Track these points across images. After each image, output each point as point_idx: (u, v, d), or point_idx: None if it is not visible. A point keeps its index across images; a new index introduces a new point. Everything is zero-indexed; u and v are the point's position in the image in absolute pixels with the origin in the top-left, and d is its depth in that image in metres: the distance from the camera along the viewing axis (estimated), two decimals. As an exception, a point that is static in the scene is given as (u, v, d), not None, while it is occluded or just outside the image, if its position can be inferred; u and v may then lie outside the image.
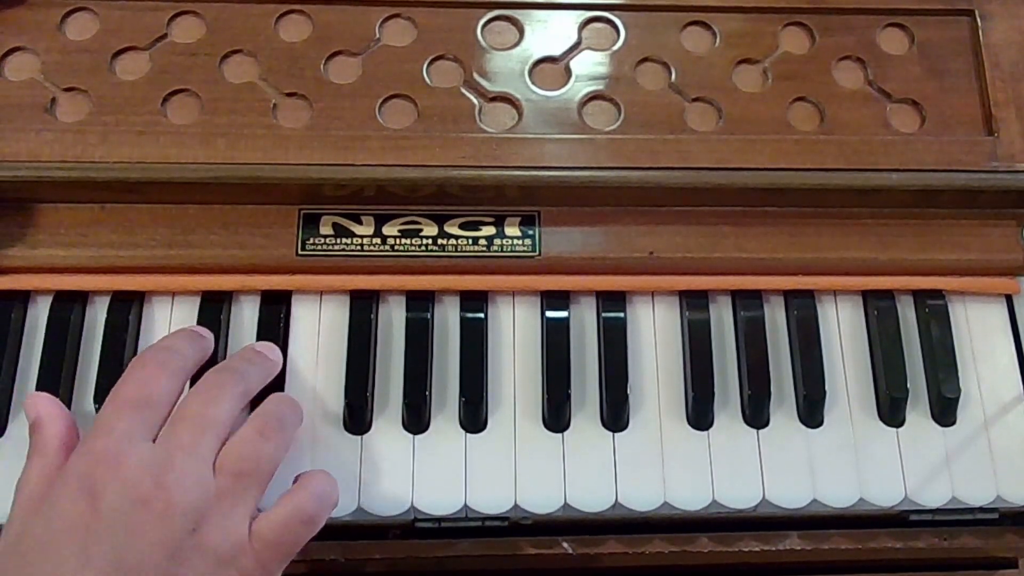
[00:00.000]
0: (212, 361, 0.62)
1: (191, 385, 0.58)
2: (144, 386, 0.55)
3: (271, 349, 0.62)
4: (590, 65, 0.68)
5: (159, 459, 0.52)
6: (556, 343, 0.64)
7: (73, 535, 0.50)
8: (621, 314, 0.65)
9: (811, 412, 0.64)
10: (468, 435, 0.63)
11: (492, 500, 0.61)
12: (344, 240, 0.65)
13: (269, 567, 0.54)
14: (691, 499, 0.62)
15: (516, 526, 0.63)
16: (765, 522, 0.65)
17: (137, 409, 0.54)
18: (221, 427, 0.55)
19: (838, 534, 0.65)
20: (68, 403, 0.62)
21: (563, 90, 0.67)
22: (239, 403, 0.57)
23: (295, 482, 0.57)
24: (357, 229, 0.65)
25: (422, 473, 0.62)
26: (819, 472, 0.63)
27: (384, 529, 0.63)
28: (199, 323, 0.64)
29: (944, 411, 0.64)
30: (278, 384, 0.62)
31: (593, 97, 0.67)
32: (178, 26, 0.67)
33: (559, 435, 0.63)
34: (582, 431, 0.63)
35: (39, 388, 0.61)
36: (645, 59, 0.68)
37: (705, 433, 0.63)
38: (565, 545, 0.64)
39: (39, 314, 0.64)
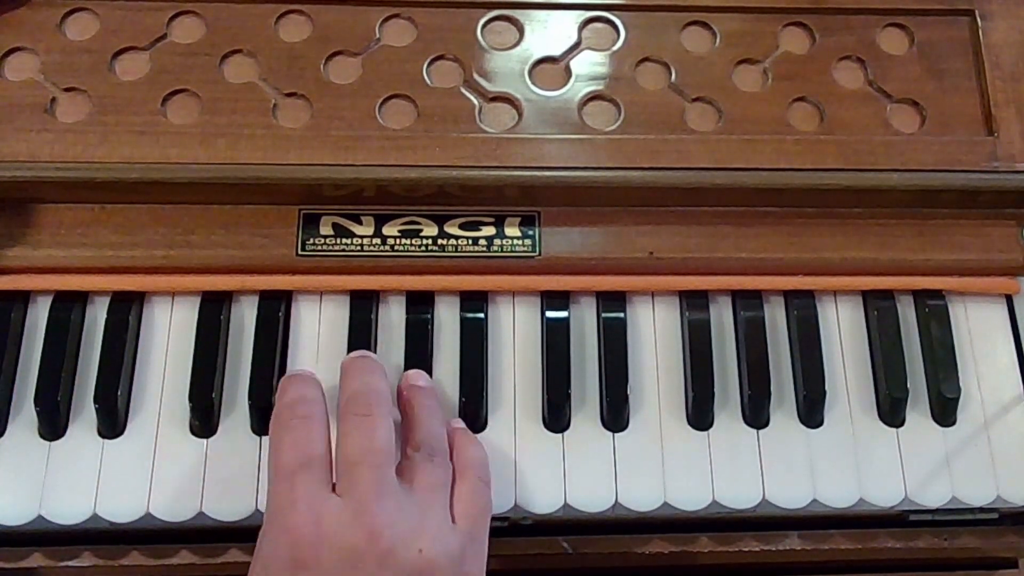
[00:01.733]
0: (212, 364, 0.62)
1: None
2: (301, 447, 0.55)
3: (367, 353, 0.62)
4: (590, 65, 0.68)
5: (358, 506, 0.52)
6: (556, 343, 0.64)
7: None
8: (621, 314, 0.65)
9: (811, 412, 0.64)
10: (468, 435, 0.63)
11: (492, 500, 0.61)
12: (344, 240, 0.65)
13: (479, 536, 0.56)
14: (691, 499, 0.62)
15: (516, 526, 0.63)
16: (765, 522, 0.65)
17: (304, 471, 0.54)
18: (389, 454, 0.55)
19: (838, 534, 0.65)
20: (68, 403, 0.62)
21: (563, 90, 0.67)
22: (389, 419, 0.57)
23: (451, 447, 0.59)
24: (357, 229, 0.65)
25: (422, 473, 0.62)
26: (819, 472, 0.63)
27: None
28: (199, 323, 0.64)
29: (944, 411, 0.64)
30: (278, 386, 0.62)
31: (593, 97, 0.67)
32: (178, 26, 0.67)
33: (559, 435, 0.63)
34: (582, 431, 0.63)
35: (39, 388, 0.61)
36: (645, 59, 0.68)
37: (705, 433, 0.63)
38: (565, 545, 0.64)
39: (39, 314, 0.64)
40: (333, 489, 0.54)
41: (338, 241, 0.65)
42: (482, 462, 0.59)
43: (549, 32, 0.69)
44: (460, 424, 0.62)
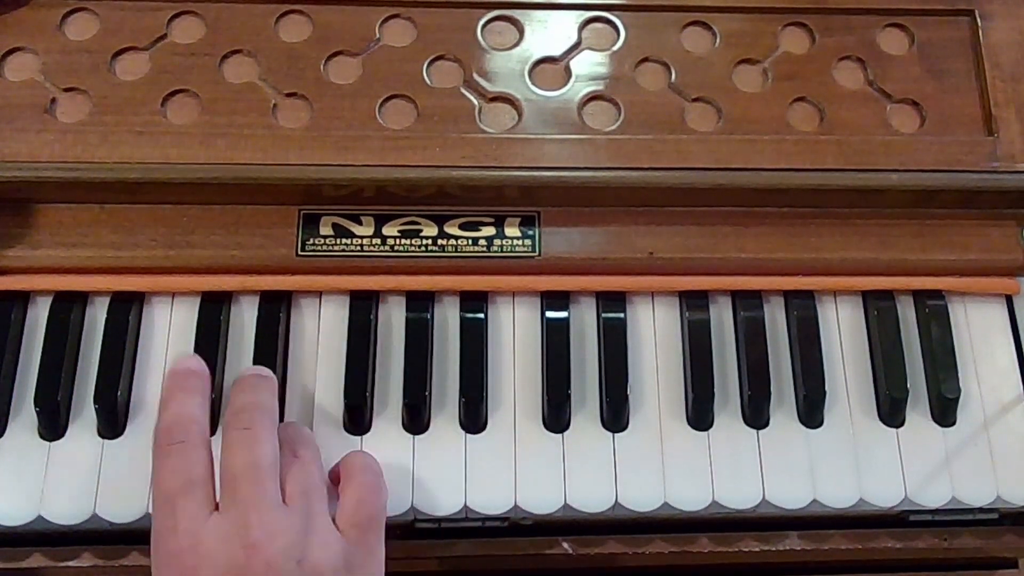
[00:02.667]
0: (212, 364, 0.62)
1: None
2: (180, 472, 0.54)
3: (262, 369, 0.61)
4: (590, 65, 0.68)
5: (235, 523, 0.52)
6: (556, 343, 0.64)
7: None
8: (621, 314, 0.65)
9: (811, 412, 0.64)
10: (468, 435, 0.63)
11: (492, 500, 0.61)
12: (344, 240, 0.65)
13: (369, 545, 0.55)
14: (691, 499, 0.62)
15: (516, 526, 0.63)
16: (765, 522, 0.65)
17: (186, 494, 0.54)
18: (272, 467, 0.55)
19: (838, 534, 0.65)
20: (68, 403, 0.62)
21: (563, 90, 0.67)
22: (273, 434, 0.57)
23: (334, 476, 0.59)
24: (357, 229, 0.65)
25: (422, 473, 0.62)
26: (819, 472, 0.63)
27: (384, 529, 0.63)
28: (199, 323, 0.64)
29: (944, 411, 0.64)
30: (279, 385, 0.62)
31: (593, 97, 0.67)
32: (178, 26, 0.67)
33: (559, 435, 0.63)
34: (582, 431, 0.63)
35: (39, 388, 0.61)
36: (645, 59, 0.68)
37: (705, 433, 0.63)
38: (565, 545, 0.64)
39: (39, 314, 0.64)
40: (218, 507, 0.54)
41: (338, 241, 0.65)
42: (368, 467, 0.58)
43: (549, 32, 0.69)
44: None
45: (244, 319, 0.65)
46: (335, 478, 0.59)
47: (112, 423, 0.61)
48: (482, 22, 0.69)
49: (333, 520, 0.55)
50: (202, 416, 0.58)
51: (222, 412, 0.62)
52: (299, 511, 0.54)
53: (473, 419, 0.63)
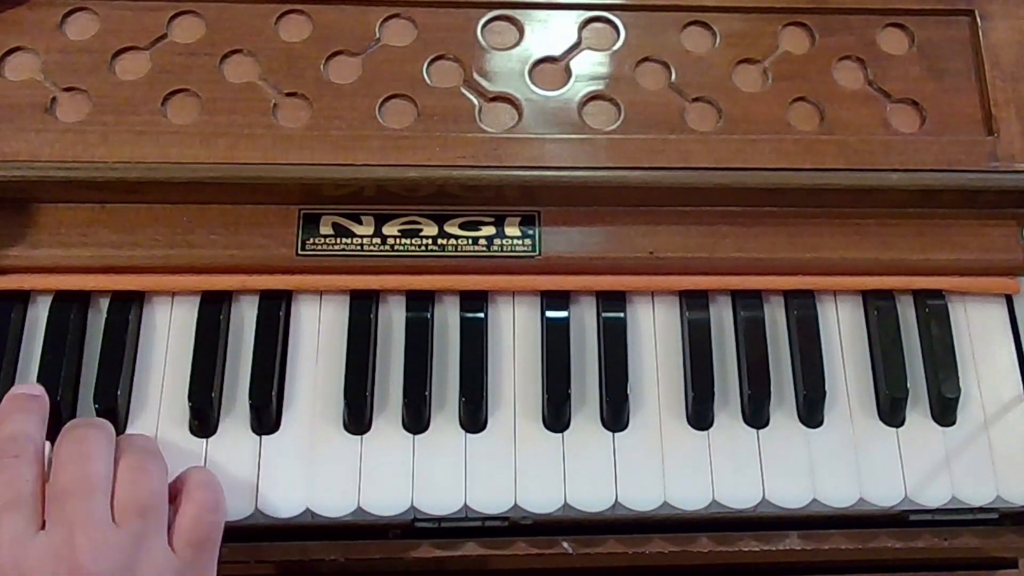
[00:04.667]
0: (212, 364, 0.62)
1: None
2: (10, 487, 0.53)
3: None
4: (590, 65, 0.68)
5: (60, 542, 0.51)
6: (556, 343, 0.64)
7: None
8: (621, 314, 0.65)
9: (811, 412, 0.64)
10: (468, 435, 0.63)
11: (492, 500, 0.61)
12: (344, 240, 0.65)
13: (204, 564, 0.55)
14: (691, 499, 0.62)
15: (516, 526, 0.63)
16: (765, 522, 0.65)
17: (13, 509, 0.52)
18: (104, 482, 0.53)
19: (838, 534, 0.65)
20: (69, 403, 0.62)
21: (563, 90, 0.67)
22: (108, 448, 0.55)
23: (172, 491, 0.57)
24: (357, 229, 0.65)
25: (422, 473, 0.62)
26: (819, 472, 0.63)
27: (384, 529, 0.63)
28: (199, 323, 0.64)
29: (944, 411, 0.64)
30: (279, 385, 0.62)
31: (593, 97, 0.67)
32: (178, 26, 0.67)
33: (559, 435, 0.63)
34: (582, 431, 0.63)
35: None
36: (645, 59, 0.68)
37: (705, 433, 0.63)
38: (565, 545, 0.64)
39: (39, 314, 0.64)
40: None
41: (338, 241, 0.65)
42: (206, 483, 0.57)
43: (549, 32, 0.69)
44: None
45: (244, 319, 0.65)
46: (173, 493, 0.57)
47: (112, 423, 0.61)
48: (482, 22, 0.69)
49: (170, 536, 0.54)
50: (38, 435, 0.56)
51: (222, 413, 0.62)
52: (130, 531, 0.52)
53: (473, 419, 0.63)
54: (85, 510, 0.52)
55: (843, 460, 0.63)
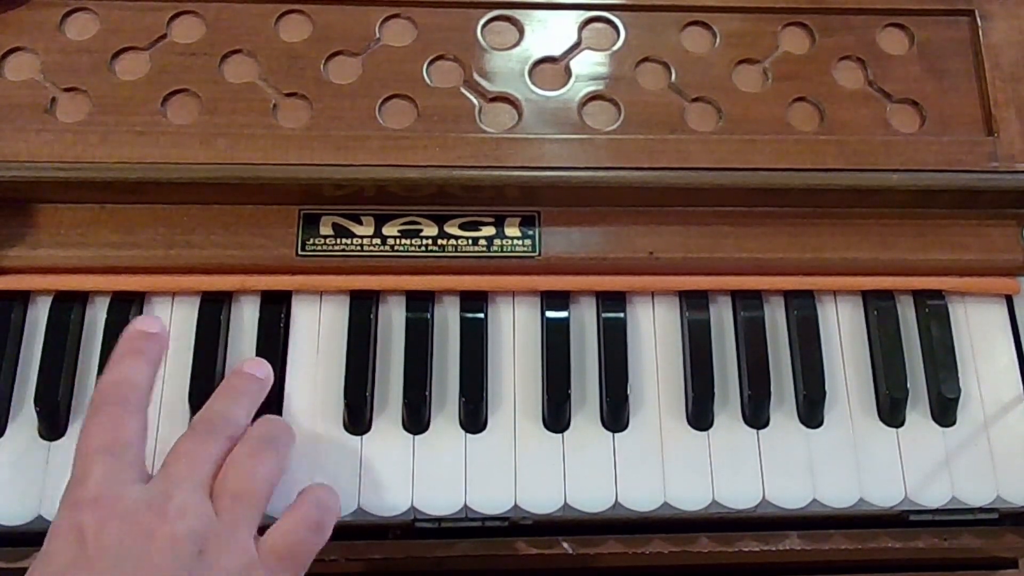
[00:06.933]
0: (212, 364, 0.62)
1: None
2: (109, 431, 0.54)
3: (260, 365, 0.61)
4: (590, 65, 0.68)
5: (156, 494, 0.52)
6: (556, 343, 0.64)
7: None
8: (621, 314, 0.65)
9: (811, 412, 0.64)
10: (468, 435, 0.63)
11: (492, 500, 0.61)
12: (344, 240, 0.65)
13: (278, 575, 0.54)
14: (691, 499, 0.62)
15: (516, 526, 0.63)
16: (765, 522, 0.65)
17: (111, 454, 0.53)
18: (214, 462, 0.55)
19: (838, 534, 0.65)
20: (68, 403, 0.62)
21: (563, 90, 0.67)
22: (227, 446, 0.56)
23: (298, 497, 0.57)
24: (357, 229, 0.65)
25: (422, 473, 0.62)
26: (819, 472, 0.63)
27: (384, 529, 0.63)
28: (199, 323, 0.63)
29: (944, 411, 0.64)
30: (278, 385, 0.62)
31: (593, 97, 0.67)
32: (178, 26, 0.67)
33: (559, 435, 0.63)
34: (582, 431, 0.63)
35: (39, 388, 0.61)
36: (645, 59, 0.68)
37: (705, 433, 0.63)
38: (565, 545, 0.64)
39: (39, 314, 0.64)
40: (147, 480, 0.54)
41: (338, 241, 0.65)
42: (322, 503, 0.57)
43: (549, 32, 0.69)
44: None
45: (244, 319, 0.65)
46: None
47: (112, 423, 0.61)
48: (482, 22, 0.69)
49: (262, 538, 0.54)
50: (145, 383, 0.57)
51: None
52: (224, 508, 0.53)
53: (473, 419, 0.63)
54: (187, 474, 0.53)
55: (843, 460, 0.63)
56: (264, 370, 0.61)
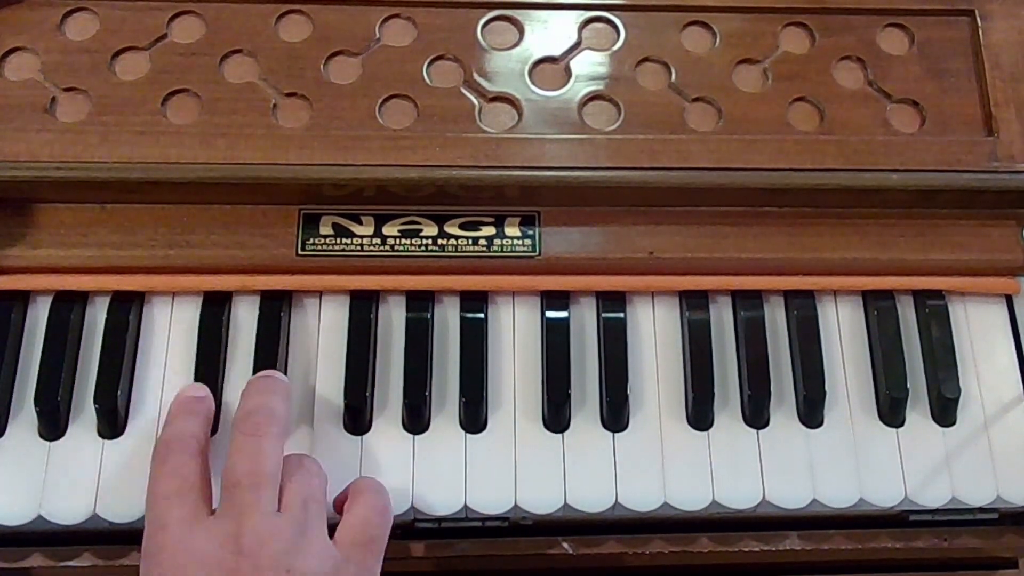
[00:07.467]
0: (212, 364, 0.62)
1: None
2: (176, 477, 0.55)
3: (277, 373, 0.61)
4: (590, 65, 0.68)
5: (229, 528, 0.53)
6: (556, 343, 0.64)
7: None
8: (621, 314, 0.65)
9: (811, 412, 0.64)
10: (468, 435, 0.63)
11: (492, 500, 0.61)
12: (344, 240, 0.65)
13: (368, 564, 0.56)
14: (691, 499, 0.62)
15: (516, 526, 0.63)
16: (765, 522, 0.65)
17: (180, 495, 0.54)
18: (274, 476, 0.55)
19: (838, 534, 0.65)
20: (68, 403, 0.62)
21: (563, 90, 0.67)
22: (280, 441, 0.57)
23: (342, 495, 0.59)
24: (357, 229, 0.65)
25: (422, 473, 0.62)
26: (819, 472, 0.63)
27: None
28: (199, 323, 0.63)
29: (944, 411, 0.64)
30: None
31: (593, 97, 0.67)
32: (178, 26, 0.67)
33: (559, 435, 0.63)
34: (582, 431, 0.63)
35: (39, 388, 0.61)
36: (645, 59, 0.68)
37: (705, 433, 0.63)
38: (565, 545, 0.64)
39: (39, 314, 0.64)
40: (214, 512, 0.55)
41: (338, 241, 0.65)
42: (379, 490, 0.59)
43: (549, 32, 0.69)
44: None
45: (244, 319, 0.65)
46: (341, 499, 0.59)
47: (112, 423, 0.61)
48: (482, 22, 0.69)
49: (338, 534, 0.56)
50: (202, 435, 0.58)
51: (223, 413, 0.62)
52: (294, 519, 0.54)
53: (473, 419, 0.63)
54: (254, 500, 0.54)
55: (843, 460, 0.63)
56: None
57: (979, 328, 0.67)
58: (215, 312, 0.64)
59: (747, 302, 0.66)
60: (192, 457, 0.56)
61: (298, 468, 0.57)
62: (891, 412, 0.64)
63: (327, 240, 0.65)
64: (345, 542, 0.55)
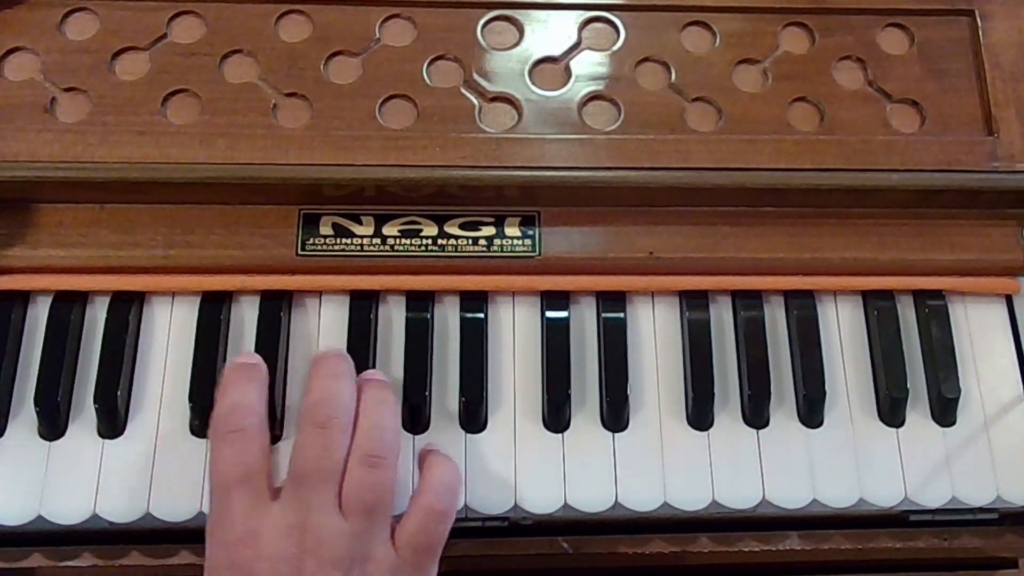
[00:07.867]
0: (212, 364, 0.62)
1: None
2: (237, 462, 0.55)
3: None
4: (590, 65, 0.68)
5: (295, 520, 0.54)
6: (556, 343, 0.64)
7: None
8: (621, 314, 0.65)
9: (811, 412, 0.64)
10: (468, 435, 0.63)
11: (492, 500, 0.61)
12: (344, 240, 0.65)
13: (424, 568, 0.56)
14: (691, 499, 0.62)
15: (516, 526, 0.63)
16: (765, 522, 0.65)
17: (243, 484, 0.55)
18: (336, 473, 0.55)
19: (838, 534, 0.65)
20: (68, 403, 0.62)
21: (563, 90, 0.67)
22: (346, 434, 0.57)
23: (420, 472, 0.59)
24: (357, 229, 0.65)
25: (422, 473, 0.62)
26: (819, 472, 0.63)
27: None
28: (199, 323, 0.64)
29: (944, 411, 0.64)
30: (279, 385, 0.62)
31: (593, 97, 0.67)
32: (178, 26, 0.67)
33: (559, 435, 0.63)
34: (582, 431, 0.63)
35: (39, 388, 0.61)
36: (645, 59, 0.69)
37: (705, 433, 0.63)
38: (565, 545, 0.64)
39: (39, 314, 0.64)
40: (277, 494, 0.55)
41: (338, 241, 0.65)
42: (447, 489, 0.58)
43: (549, 32, 0.69)
44: (435, 446, 0.61)
45: (244, 319, 0.65)
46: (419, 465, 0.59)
47: (112, 423, 0.61)
48: (482, 22, 0.69)
49: (393, 530, 0.56)
50: (260, 405, 0.58)
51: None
52: (355, 525, 0.54)
53: (473, 419, 0.63)
54: (320, 498, 0.54)
55: (843, 460, 0.63)
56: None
57: (979, 328, 0.67)
58: (215, 312, 0.64)
59: (747, 302, 0.66)
60: (252, 436, 0.56)
61: (365, 468, 0.56)
62: (891, 412, 0.64)
63: (327, 240, 0.65)
64: (406, 546, 0.56)
